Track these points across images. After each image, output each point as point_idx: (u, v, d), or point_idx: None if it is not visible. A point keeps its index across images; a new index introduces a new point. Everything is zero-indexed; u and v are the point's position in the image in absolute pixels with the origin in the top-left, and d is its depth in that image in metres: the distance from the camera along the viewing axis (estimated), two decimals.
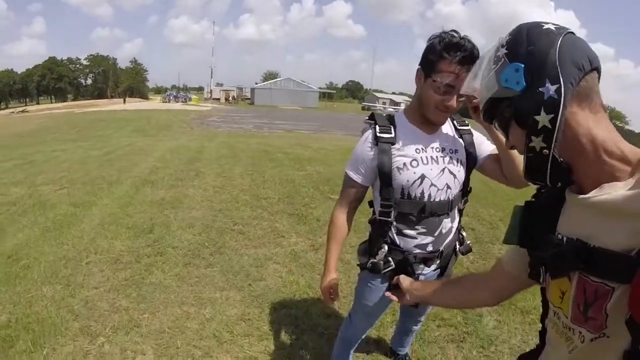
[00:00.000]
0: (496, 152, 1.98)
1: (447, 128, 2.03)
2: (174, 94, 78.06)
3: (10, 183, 7.34)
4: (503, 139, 1.85)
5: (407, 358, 2.94)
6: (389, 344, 3.05)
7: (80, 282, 3.77)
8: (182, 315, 3.32)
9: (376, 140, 1.92)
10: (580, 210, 0.98)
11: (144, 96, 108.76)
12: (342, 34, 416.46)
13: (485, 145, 2.06)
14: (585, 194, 0.95)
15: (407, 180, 1.89)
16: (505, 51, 1.00)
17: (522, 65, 0.96)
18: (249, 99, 79.67)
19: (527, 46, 0.97)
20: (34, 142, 14.85)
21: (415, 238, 1.98)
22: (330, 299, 2.13)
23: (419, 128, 1.95)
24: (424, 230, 1.97)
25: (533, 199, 1.16)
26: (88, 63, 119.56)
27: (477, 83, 1.11)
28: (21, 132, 19.49)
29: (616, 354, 0.90)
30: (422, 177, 1.89)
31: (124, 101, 67.37)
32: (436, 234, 1.99)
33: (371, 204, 2.12)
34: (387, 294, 1.78)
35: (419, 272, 2.04)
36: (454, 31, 1.78)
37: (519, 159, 1.85)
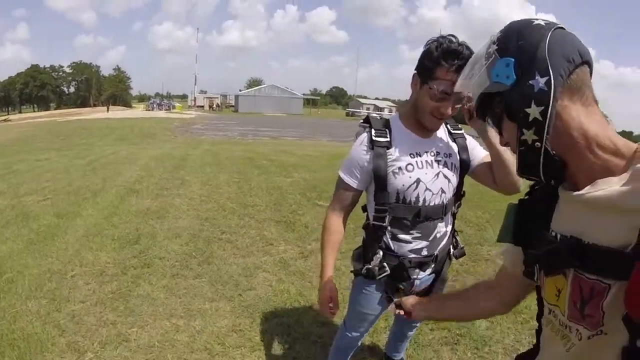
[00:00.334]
0: (488, 158, 1.97)
1: (441, 132, 2.03)
2: (158, 101, 77.58)
3: None
4: (497, 144, 1.89)
5: None
6: (383, 349, 3.02)
7: (66, 295, 3.68)
8: (171, 328, 3.25)
9: (372, 143, 1.91)
10: (573, 207, 0.97)
11: (127, 104, 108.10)
12: (326, 40, 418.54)
13: (477, 151, 2.06)
14: (578, 190, 0.94)
15: (403, 185, 1.89)
16: (496, 47, 1.02)
17: (513, 60, 0.97)
18: (233, 106, 79.48)
19: (518, 41, 0.98)
20: (16, 151, 14.59)
21: (410, 242, 1.97)
22: (330, 312, 2.07)
23: (414, 133, 1.95)
24: (418, 234, 1.96)
25: (527, 197, 1.16)
26: (71, 71, 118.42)
27: (469, 81, 1.12)
28: (4, 141, 19.14)
29: (614, 350, 0.89)
30: (418, 181, 1.89)
31: (108, 109, 66.74)
32: (431, 238, 1.98)
33: (364, 209, 2.10)
34: (396, 312, 1.74)
35: (415, 276, 2.03)
36: (452, 36, 1.77)
37: (511, 165, 1.84)
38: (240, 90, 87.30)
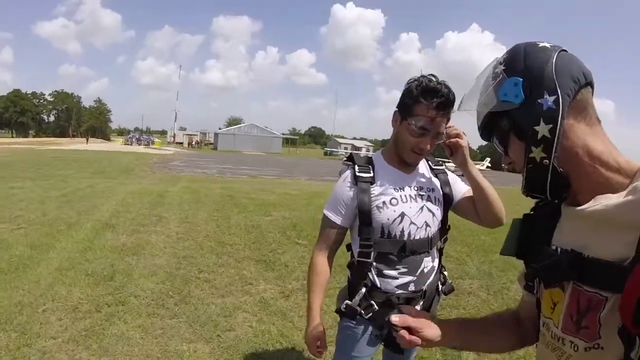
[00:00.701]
0: (470, 193, 2.01)
1: (423, 168, 2.08)
2: (137, 136, 77.13)
3: None
4: (478, 177, 1.92)
5: None
6: None
7: (37, 330, 3.53)
8: None
9: (355, 179, 1.94)
10: (574, 222, 0.99)
11: (105, 137, 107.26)
12: (305, 82, 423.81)
13: (459, 185, 2.10)
14: (580, 206, 0.96)
15: (388, 219, 1.90)
16: (503, 67, 1.04)
17: (521, 79, 0.99)
18: (212, 143, 79.42)
19: (525, 61, 1.01)
20: None
21: (397, 278, 1.95)
22: (318, 352, 2.02)
23: (397, 168, 1.99)
24: (405, 269, 1.95)
25: (531, 212, 1.16)
26: (52, 99, 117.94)
27: (474, 101, 1.14)
28: None
29: None
30: (402, 215, 1.91)
31: (87, 141, 66.09)
32: (417, 273, 1.97)
33: (349, 247, 2.08)
34: (407, 338, 1.56)
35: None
36: (432, 75, 1.83)
37: (493, 199, 1.87)
38: (219, 129, 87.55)
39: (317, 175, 24.04)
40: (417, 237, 1.93)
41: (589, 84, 0.98)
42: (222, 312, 4.14)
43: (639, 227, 0.81)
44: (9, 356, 3.13)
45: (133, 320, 3.83)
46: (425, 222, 1.95)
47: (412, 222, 1.92)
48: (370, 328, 2.02)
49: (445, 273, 2.21)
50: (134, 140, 71.04)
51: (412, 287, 1.97)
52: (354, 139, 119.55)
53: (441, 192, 2.05)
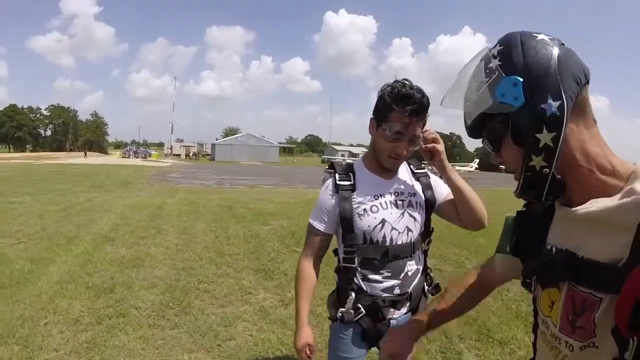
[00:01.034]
0: (451, 195, 2.03)
1: (404, 173, 2.10)
2: (134, 149, 76.97)
3: None
4: (458, 181, 1.95)
5: None
6: None
7: (39, 343, 3.55)
8: None
9: (336, 187, 1.97)
10: (569, 222, 0.98)
11: (103, 150, 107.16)
12: (300, 89, 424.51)
13: (440, 188, 2.12)
14: (574, 206, 0.95)
15: (369, 226, 1.93)
16: (499, 63, 0.96)
17: (521, 80, 0.92)
18: (209, 154, 79.36)
19: (525, 58, 0.93)
20: None
21: (381, 282, 1.98)
22: (308, 358, 2.05)
23: (377, 175, 2.02)
24: (388, 273, 1.98)
25: (524, 209, 1.15)
26: (49, 113, 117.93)
27: (459, 97, 1.09)
28: None
29: None
30: (383, 221, 1.94)
31: (85, 154, 66.04)
32: (401, 276, 2.00)
33: (336, 252, 2.12)
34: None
35: (390, 316, 2.03)
36: (405, 80, 1.86)
37: (474, 202, 1.90)
38: (216, 139, 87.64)
39: (315, 183, 23.94)
40: (399, 242, 1.96)
41: (587, 81, 0.94)
42: (222, 321, 4.16)
43: (633, 228, 0.81)
44: None
45: (134, 332, 3.85)
46: (407, 227, 1.98)
47: (393, 228, 1.95)
48: (361, 329, 2.04)
49: (432, 274, 2.24)
50: (131, 153, 70.90)
51: (397, 291, 2.00)
52: (351, 145, 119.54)
53: (423, 197, 2.07)
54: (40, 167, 30.43)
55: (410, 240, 1.99)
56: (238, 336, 3.89)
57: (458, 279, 1.56)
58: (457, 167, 40.30)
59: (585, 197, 0.93)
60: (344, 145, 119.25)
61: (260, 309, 4.51)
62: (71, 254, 6.24)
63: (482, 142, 1.09)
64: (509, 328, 4.01)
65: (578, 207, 0.93)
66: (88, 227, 8.17)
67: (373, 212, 1.94)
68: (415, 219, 2.01)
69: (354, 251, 1.96)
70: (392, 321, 2.04)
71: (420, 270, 2.11)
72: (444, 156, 1.95)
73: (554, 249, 0.99)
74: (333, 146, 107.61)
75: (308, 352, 2.03)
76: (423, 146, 1.93)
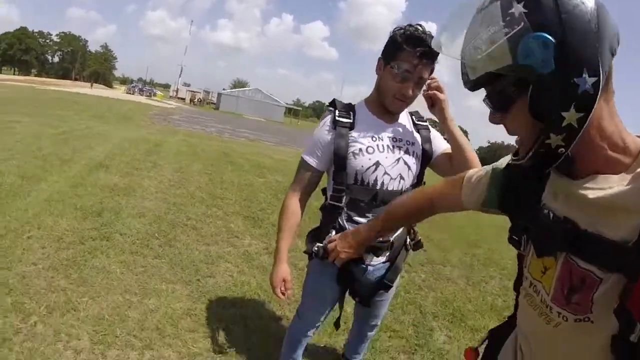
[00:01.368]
0: (449, 150, 2.00)
1: (406, 121, 2.06)
2: (140, 86, 76.54)
3: None
4: (457, 134, 1.89)
5: None
6: (340, 351, 2.97)
7: (19, 255, 3.51)
8: (123, 304, 3.11)
9: (335, 124, 1.93)
10: (570, 194, 0.91)
11: (108, 84, 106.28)
12: (316, 55, 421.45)
13: (438, 142, 2.09)
14: (575, 177, 0.90)
15: (362, 166, 1.90)
16: (524, 10, 0.79)
17: (553, 41, 0.77)
18: (214, 103, 78.67)
19: (559, 12, 0.77)
20: None
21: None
22: (282, 293, 2.03)
23: (377, 117, 1.98)
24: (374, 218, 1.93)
25: (514, 161, 0.97)
26: (59, 40, 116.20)
27: (458, 39, 0.92)
28: None
29: (601, 337, 0.86)
30: (377, 164, 1.90)
31: (92, 86, 65.47)
32: None
33: (324, 191, 2.08)
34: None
35: (368, 262, 2.00)
36: (419, 25, 1.81)
37: (470, 155, 1.86)
38: (223, 89, 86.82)
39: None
40: (390, 188, 1.93)
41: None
42: (205, 259, 4.14)
43: None
44: None
45: (116, 256, 3.82)
46: (400, 174, 1.95)
47: (386, 172, 1.92)
48: (337, 271, 1.99)
49: (416, 228, 2.19)
50: (136, 90, 70.45)
51: (380, 238, 1.95)
52: None
53: (421, 147, 2.03)
54: (43, 92, 30.15)
55: (401, 188, 1.96)
56: (218, 275, 3.87)
57: (405, 199, 1.56)
58: None
59: (589, 171, 0.87)
60: None
61: (245, 253, 4.48)
62: (64, 175, 6.17)
63: (485, 103, 0.97)
64: (482, 317, 4.02)
65: (582, 183, 0.87)
66: (84, 152, 8.08)
67: (368, 153, 1.90)
68: (409, 168, 1.97)
69: (342, 190, 1.93)
70: (369, 267, 2.01)
71: None
72: (445, 105, 1.91)
73: (551, 215, 0.93)
74: None
75: (283, 288, 2.01)
76: (425, 92, 1.90)
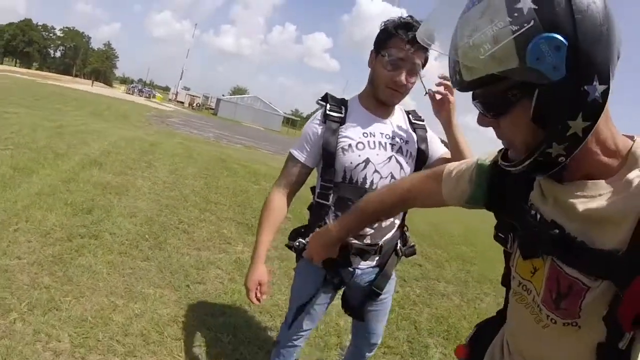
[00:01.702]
0: (448, 155, 1.93)
1: (401, 118, 2.00)
2: (139, 87, 76.61)
3: None
4: (461, 141, 1.83)
5: None
6: None
7: (4, 248, 3.39)
8: (108, 306, 2.99)
9: (325, 117, 1.86)
10: (559, 200, 0.88)
11: (108, 82, 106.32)
12: (317, 65, 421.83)
13: (436, 145, 2.02)
14: (562, 180, 0.87)
15: (351, 162, 1.82)
16: (534, 6, 0.71)
17: (566, 44, 0.70)
18: (212, 108, 78.60)
19: (572, 12, 0.70)
20: None
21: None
22: (257, 298, 1.91)
23: (371, 112, 1.91)
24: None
25: (507, 167, 0.92)
26: (62, 35, 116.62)
27: (445, 37, 0.84)
28: None
29: (587, 343, 0.85)
30: (367, 161, 1.83)
31: (92, 84, 65.34)
32: (375, 225, 1.87)
33: (313, 190, 1.98)
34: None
35: (355, 265, 1.91)
36: (410, 16, 1.77)
37: None
38: (223, 95, 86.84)
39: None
40: (379, 187, 1.83)
41: None
42: (196, 264, 4.01)
43: (633, 221, 0.75)
44: None
45: (103, 256, 3.69)
46: (391, 173, 1.86)
47: (376, 171, 1.84)
48: (324, 274, 1.92)
49: (407, 233, 2.10)
50: (136, 90, 70.54)
51: (367, 240, 1.89)
52: None
53: (416, 147, 1.95)
54: (43, 86, 30.06)
55: None
56: (209, 282, 3.75)
57: (378, 194, 1.47)
58: None
59: (578, 175, 0.85)
60: None
61: (237, 260, 4.36)
62: (57, 170, 6.04)
63: (473, 99, 0.89)
64: None
65: (573, 194, 0.85)
66: (79, 148, 7.95)
67: (358, 149, 1.82)
68: (401, 167, 1.88)
69: (330, 187, 1.85)
70: (357, 271, 1.92)
71: (396, 225, 1.98)
72: (453, 107, 1.84)
73: (539, 216, 0.91)
74: None
75: (259, 293, 1.89)
76: (433, 91, 1.83)
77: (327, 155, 1.83)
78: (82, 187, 5.47)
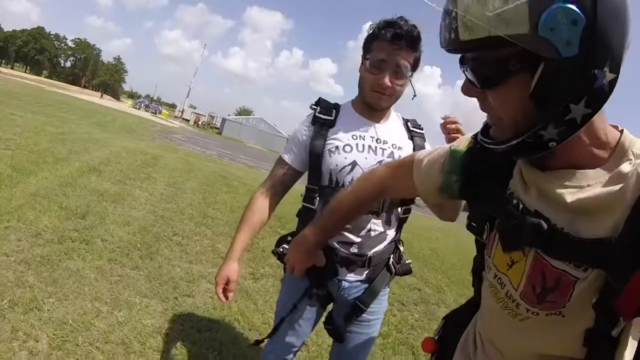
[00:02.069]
0: None
1: (397, 124, 1.95)
2: (146, 102, 77.27)
3: None
4: None
5: None
6: None
7: None
8: (91, 311, 2.89)
9: (314, 120, 1.83)
10: (544, 190, 0.84)
11: (115, 96, 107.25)
12: (322, 90, 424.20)
13: None
14: (546, 168, 0.84)
15: (336, 165, 1.77)
16: None
17: (584, 19, 0.65)
18: (217, 128, 78.94)
19: None
20: None
21: (339, 234, 1.77)
22: (223, 294, 1.84)
23: (362, 115, 1.86)
24: (348, 226, 1.75)
25: (489, 144, 0.86)
26: (73, 45, 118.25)
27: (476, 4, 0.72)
28: None
29: (572, 330, 0.83)
30: (354, 164, 1.77)
31: (101, 96, 65.86)
32: (362, 233, 1.79)
33: (304, 198, 1.90)
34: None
35: (342, 277, 1.81)
36: (400, 17, 1.71)
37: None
38: (228, 115, 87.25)
39: None
40: None
41: None
42: (186, 276, 3.91)
43: (624, 210, 0.73)
44: None
45: (92, 261, 3.60)
46: None
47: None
48: (309, 285, 1.83)
49: (402, 249, 1.99)
50: (142, 105, 71.13)
51: (354, 249, 1.80)
52: None
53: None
54: (51, 93, 30.26)
55: None
56: (198, 295, 3.65)
57: (351, 190, 1.42)
58: None
59: (563, 162, 0.82)
60: None
61: None
62: (55, 173, 6.00)
63: (461, 63, 0.83)
64: None
65: (560, 184, 0.81)
66: (80, 154, 7.93)
67: (345, 152, 1.76)
68: None
69: (315, 190, 1.80)
70: (344, 283, 1.82)
71: (388, 238, 1.86)
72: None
73: (521, 206, 0.85)
74: None
75: (227, 287, 1.83)
76: (444, 133, 1.75)
77: (314, 157, 1.79)
78: (79, 193, 5.41)
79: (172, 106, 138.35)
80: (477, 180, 0.97)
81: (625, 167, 0.76)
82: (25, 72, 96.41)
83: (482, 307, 1.09)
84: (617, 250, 0.72)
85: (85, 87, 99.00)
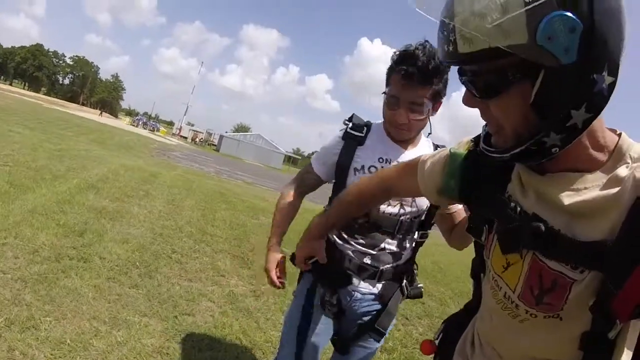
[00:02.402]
0: (460, 214, 1.84)
1: (428, 151, 1.88)
2: (144, 120, 77.51)
3: None
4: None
5: None
6: None
7: None
8: (89, 330, 2.83)
9: (345, 136, 1.87)
10: (542, 193, 0.85)
11: (113, 113, 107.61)
12: (319, 106, 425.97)
13: None
14: (544, 172, 0.85)
15: None
16: None
17: (581, 26, 0.65)
18: (215, 144, 79.14)
19: None
20: None
21: (353, 246, 1.81)
22: (278, 281, 1.90)
23: (392, 139, 1.86)
24: (362, 241, 1.80)
25: (492, 154, 0.87)
26: (71, 63, 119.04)
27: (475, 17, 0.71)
28: None
29: (569, 332, 0.84)
30: None
31: (101, 114, 65.99)
32: (375, 250, 1.80)
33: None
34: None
35: (354, 287, 1.82)
36: (427, 41, 1.68)
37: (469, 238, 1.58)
38: (226, 132, 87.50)
39: (315, 198, 23.60)
40: (385, 212, 1.76)
41: None
42: (186, 295, 3.84)
43: (622, 213, 0.73)
44: None
45: (90, 279, 3.54)
46: (402, 202, 1.77)
47: None
48: (321, 295, 1.85)
49: (416, 272, 1.98)
50: (140, 123, 71.36)
51: (367, 260, 1.81)
52: None
53: None
54: (50, 110, 30.35)
55: (398, 217, 1.78)
56: (198, 314, 3.58)
57: (358, 185, 1.46)
58: None
59: (562, 166, 0.83)
60: None
61: (230, 293, 4.18)
62: (53, 190, 5.97)
63: (460, 74, 0.84)
64: None
65: (558, 187, 0.82)
66: (78, 171, 7.91)
67: (369, 173, 1.78)
68: (414, 199, 1.79)
69: None
70: (356, 293, 1.82)
71: (403, 258, 1.87)
72: None
73: (519, 209, 0.86)
74: None
75: (278, 274, 1.90)
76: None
77: (340, 172, 1.83)
78: (77, 210, 5.36)
79: (170, 124, 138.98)
80: (476, 183, 0.99)
81: (623, 171, 0.77)
82: (23, 88, 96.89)
83: (482, 308, 1.10)
84: (613, 253, 0.73)
85: (83, 104, 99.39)
